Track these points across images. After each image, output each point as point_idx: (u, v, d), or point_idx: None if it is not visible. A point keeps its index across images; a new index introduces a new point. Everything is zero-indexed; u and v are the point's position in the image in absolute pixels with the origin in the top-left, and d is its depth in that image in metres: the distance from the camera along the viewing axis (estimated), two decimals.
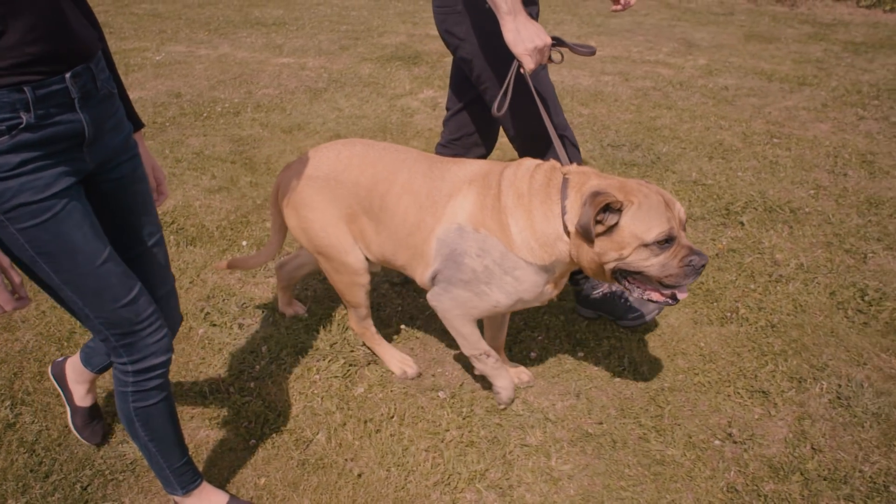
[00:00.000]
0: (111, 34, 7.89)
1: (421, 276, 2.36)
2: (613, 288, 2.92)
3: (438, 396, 2.61)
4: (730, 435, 2.46)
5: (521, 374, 2.68)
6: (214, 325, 3.04)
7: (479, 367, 2.48)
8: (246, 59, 7.05)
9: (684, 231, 2.04)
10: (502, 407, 2.55)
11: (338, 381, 2.69)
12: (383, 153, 2.40)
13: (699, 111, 5.59)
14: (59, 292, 1.65)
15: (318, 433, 2.47)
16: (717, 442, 2.43)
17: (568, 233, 2.06)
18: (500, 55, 2.38)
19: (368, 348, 2.85)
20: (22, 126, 1.43)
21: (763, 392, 2.66)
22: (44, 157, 1.49)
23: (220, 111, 5.62)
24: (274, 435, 2.47)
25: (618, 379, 2.70)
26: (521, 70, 2.31)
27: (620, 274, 2.07)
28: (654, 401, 2.61)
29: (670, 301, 2.09)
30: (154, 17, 9.21)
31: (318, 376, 2.73)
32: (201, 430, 2.48)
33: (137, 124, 1.86)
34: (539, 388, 2.66)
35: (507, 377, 2.51)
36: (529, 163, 2.21)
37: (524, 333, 2.97)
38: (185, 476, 2.02)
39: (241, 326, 3.04)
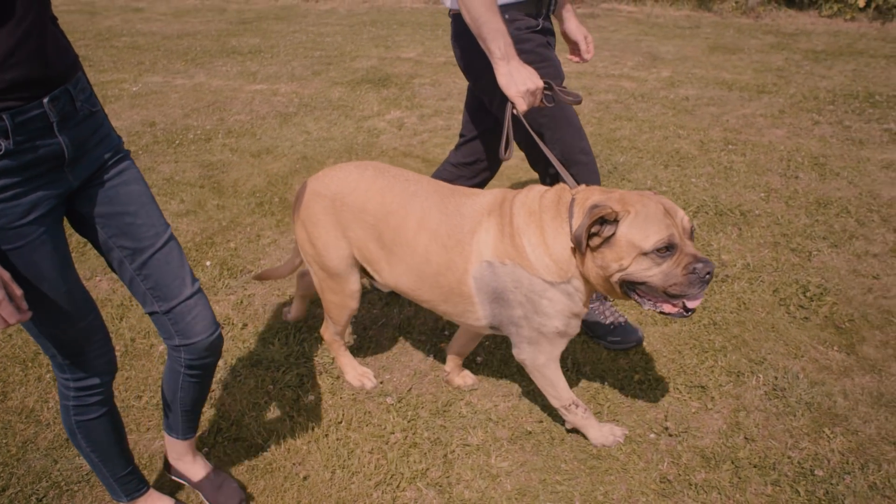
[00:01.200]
0: (90, 67, 8.02)
1: (477, 321, 2.34)
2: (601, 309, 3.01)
3: (386, 401, 2.70)
4: (666, 429, 2.55)
5: (466, 377, 2.77)
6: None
7: (570, 419, 2.46)
8: (220, 87, 7.18)
9: (691, 240, 2.02)
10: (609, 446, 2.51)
11: (290, 391, 2.78)
12: (393, 182, 2.39)
13: (658, 121, 5.73)
14: None
15: (268, 440, 2.55)
16: (652, 435, 2.52)
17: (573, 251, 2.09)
18: None
19: (332, 358, 2.93)
20: (1, 153, 1.45)
21: (701, 387, 2.75)
22: (23, 182, 1.52)
23: (192, 138, 5.74)
24: (226, 443, 2.55)
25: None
26: (514, 111, 2.38)
27: (627, 286, 2.05)
28: (595, 399, 2.70)
29: (683, 313, 2.04)
30: (133, 49, 9.35)
31: (272, 386, 2.81)
32: (157, 441, 2.56)
33: None
34: (483, 390, 2.76)
35: (597, 427, 2.48)
36: (540, 187, 2.25)
37: None
38: (129, 485, 2.10)
39: None
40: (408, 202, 2.32)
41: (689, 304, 2.03)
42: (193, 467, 2.27)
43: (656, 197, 2.04)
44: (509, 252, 2.15)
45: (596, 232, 1.99)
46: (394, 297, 3.38)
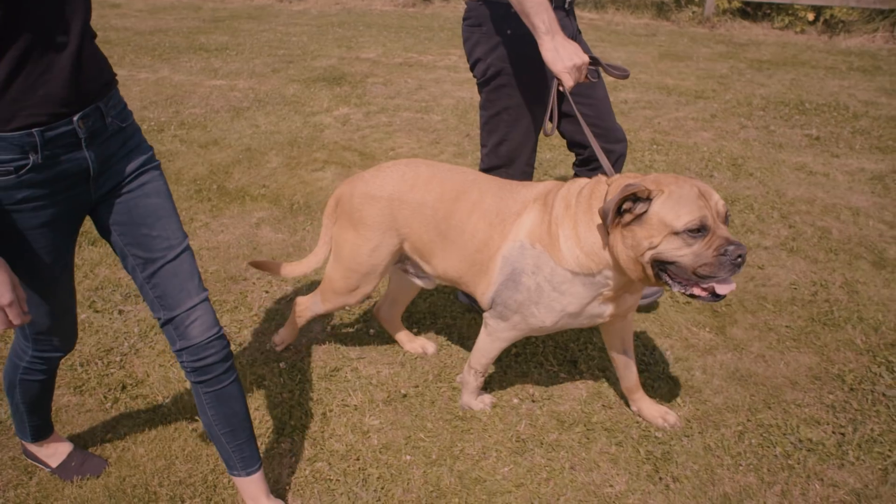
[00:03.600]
0: None
1: (483, 294, 2.42)
2: None
3: (279, 367, 2.92)
4: (530, 395, 2.78)
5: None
6: (97, 311, 3.34)
7: (468, 379, 2.62)
8: (181, 81, 7.39)
9: (725, 224, 2.03)
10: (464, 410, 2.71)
11: None
12: (451, 173, 2.47)
13: None
14: None
15: (168, 398, 2.76)
16: (515, 401, 2.75)
17: (608, 232, 2.12)
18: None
19: (285, 319, 3.11)
20: (28, 167, 1.51)
21: (572, 361, 2.99)
22: (47, 195, 1.57)
23: (146, 129, 5.94)
24: (128, 399, 2.75)
25: (443, 351, 3.03)
26: (561, 88, 2.39)
27: (658, 267, 2.05)
28: None
29: (712, 297, 2.03)
30: (104, 43, 9.48)
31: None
32: (65, 396, 2.76)
33: None
34: (370, 358, 2.98)
35: (475, 399, 2.69)
36: (582, 180, 2.27)
37: (370, 314, 3.29)
38: (40, 431, 2.31)
39: (121, 312, 3.33)
40: (468, 188, 2.40)
41: (719, 290, 2.01)
42: None
43: (692, 180, 2.06)
44: (543, 238, 2.22)
45: (628, 209, 2.01)
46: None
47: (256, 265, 2.90)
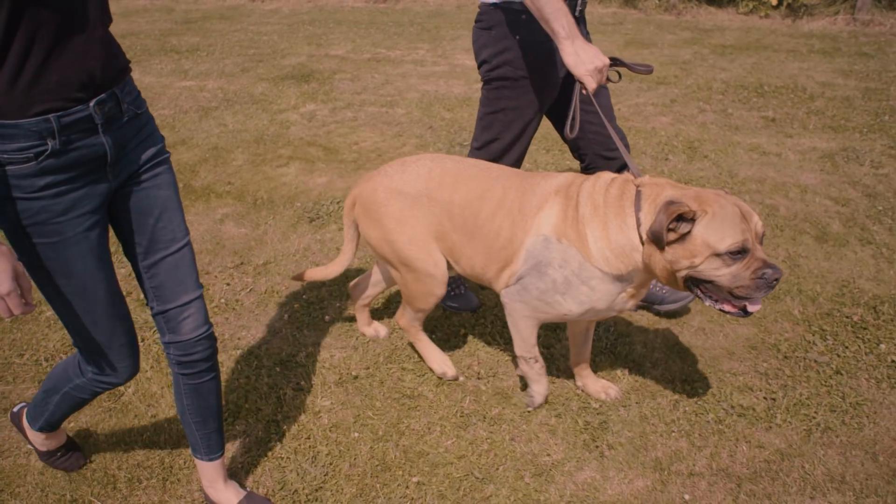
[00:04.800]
0: None
1: (505, 283, 2.45)
2: None
3: (236, 353, 3.03)
4: (476, 373, 2.91)
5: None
6: None
7: (524, 369, 2.61)
8: (151, 83, 7.45)
9: (761, 244, 2.07)
10: (530, 409, 2.69)
11: (157, 346, 3.10)
12: (475, 170, 2.48)
13: None
14: (50, 302, 1.78)
15: (129, 387, 2.87)
16: (462, 378, 2.87)
17: (643, 242, 2.13)
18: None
19: (411, 345, 3.05)
20: (48, 152, 1.53)
21: None
22: (67, 180, 1.59)
23: None
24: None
25: (394, 334, 3.15)
26: (584, 91, 2.42)
27: (692, 282, 2.10)
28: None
29: (741, 313, 2.10)
30: None
31: (141, 343, 3.13)
32: (30, 390, 2.85)
33: None
34: (325, 343, 3.10)
35: (544, 384, 2.64)
36: (607, 176, 2.28)
37: (327, 301, 3.40)
38: (51, 427, 2.30)
39: None
40: (491, 186, 2.42)
41: (750, 308, 2.09)
42: (225, 494, 2.27)
43: (732, 198, 2.07)
44: (569, 234, 2.23)
45: (672, 228, 2.02)
46: (260, 267, 3.70)
47: (297, 278, 3.01)
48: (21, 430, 2.43)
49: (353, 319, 3.25)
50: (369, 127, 5.86)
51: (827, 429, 2.58)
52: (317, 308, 3.36)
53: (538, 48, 2.69)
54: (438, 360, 2.86)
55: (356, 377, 2.88)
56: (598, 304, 2.29)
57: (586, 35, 2.83)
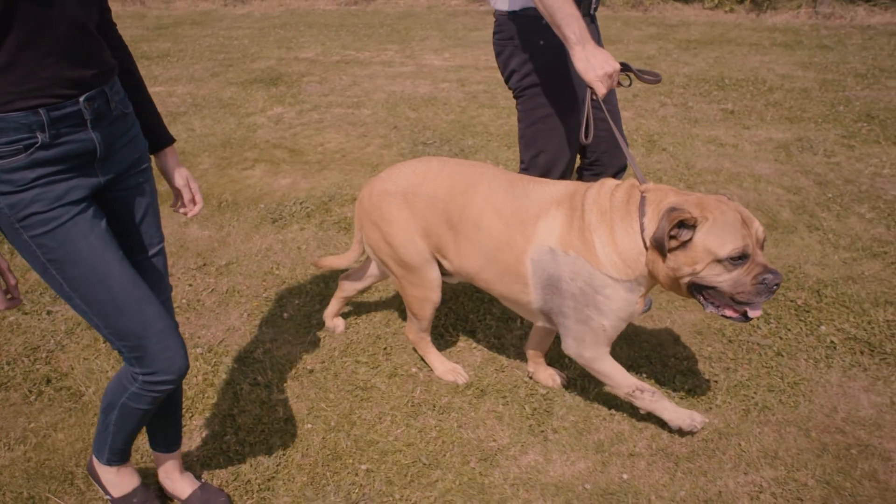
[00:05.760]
0: None
1: (525, 300, 2.43)
2: None
3: (195, 351, 3.10)
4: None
5: (554, 376, 2.86)
6: (26, 313, 3.48)
7: (638, 404, 2.48)
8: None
9: (761, 250, 2.10)
10: (696, 431, 2.54)
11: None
12: (459, 167, 2.51)
13: None
14: (71, 302, 1.74)
15: (90, 388, 2.92)
16: (414, 370, 2.95)
17: (647, 248, 2.14)
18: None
19: (420, 356, 3.04)
20: (38, 145, 1.55)
21: (471, 331, 3.20)
22: (57, 172, 1.61)
23: None
24: (52, 392, 2.90)
25: (350, 329, 3.22)
26: (594, 96, 2.41)
27: (695, 288, 2.13)
28: (375, 343, 3.13)
29: (742, 319, 2.13)
30: None
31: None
32: None
33: (167, 140, 1.99)
34: (283, 339, 3.17)
35: (670, 408, 2.48)
36: (611, 182, 2.29)
37: (286, 299, 3.47)
38: (119, 456, 2.21)
39: (49, 313, 3.48)
40: (476, 181, 2.44)
41: (751, 313, 2.12)
42: (180, 484, 2.31)
43: (733, 204, 2.10)
44: (575, 244, 2.23)
45: (674, 235, 2.04)
46: (222, 268, 3.77)
47: (315, 264, 3.17)
48: (95, 477, 2.31)
49: (311, 316, 3.33)
50: (335, 128, 5.93)
51: (764, 408, 2.68)
52: (276, 306, 3.43)
53: (563, 50, 2.64)
54: (448, 369, 2.89)
55: (311, 371, 2.96)
56: (621, 312, 2.28)
57: (597, 36, 2.83)
